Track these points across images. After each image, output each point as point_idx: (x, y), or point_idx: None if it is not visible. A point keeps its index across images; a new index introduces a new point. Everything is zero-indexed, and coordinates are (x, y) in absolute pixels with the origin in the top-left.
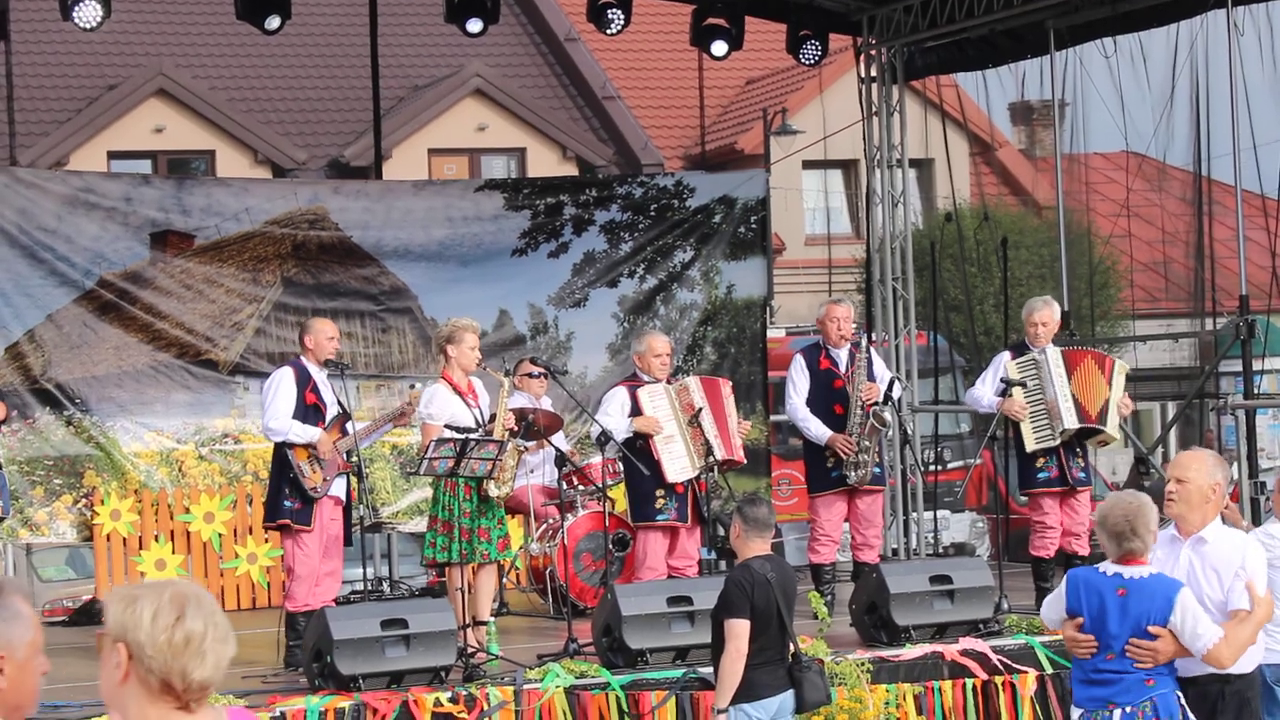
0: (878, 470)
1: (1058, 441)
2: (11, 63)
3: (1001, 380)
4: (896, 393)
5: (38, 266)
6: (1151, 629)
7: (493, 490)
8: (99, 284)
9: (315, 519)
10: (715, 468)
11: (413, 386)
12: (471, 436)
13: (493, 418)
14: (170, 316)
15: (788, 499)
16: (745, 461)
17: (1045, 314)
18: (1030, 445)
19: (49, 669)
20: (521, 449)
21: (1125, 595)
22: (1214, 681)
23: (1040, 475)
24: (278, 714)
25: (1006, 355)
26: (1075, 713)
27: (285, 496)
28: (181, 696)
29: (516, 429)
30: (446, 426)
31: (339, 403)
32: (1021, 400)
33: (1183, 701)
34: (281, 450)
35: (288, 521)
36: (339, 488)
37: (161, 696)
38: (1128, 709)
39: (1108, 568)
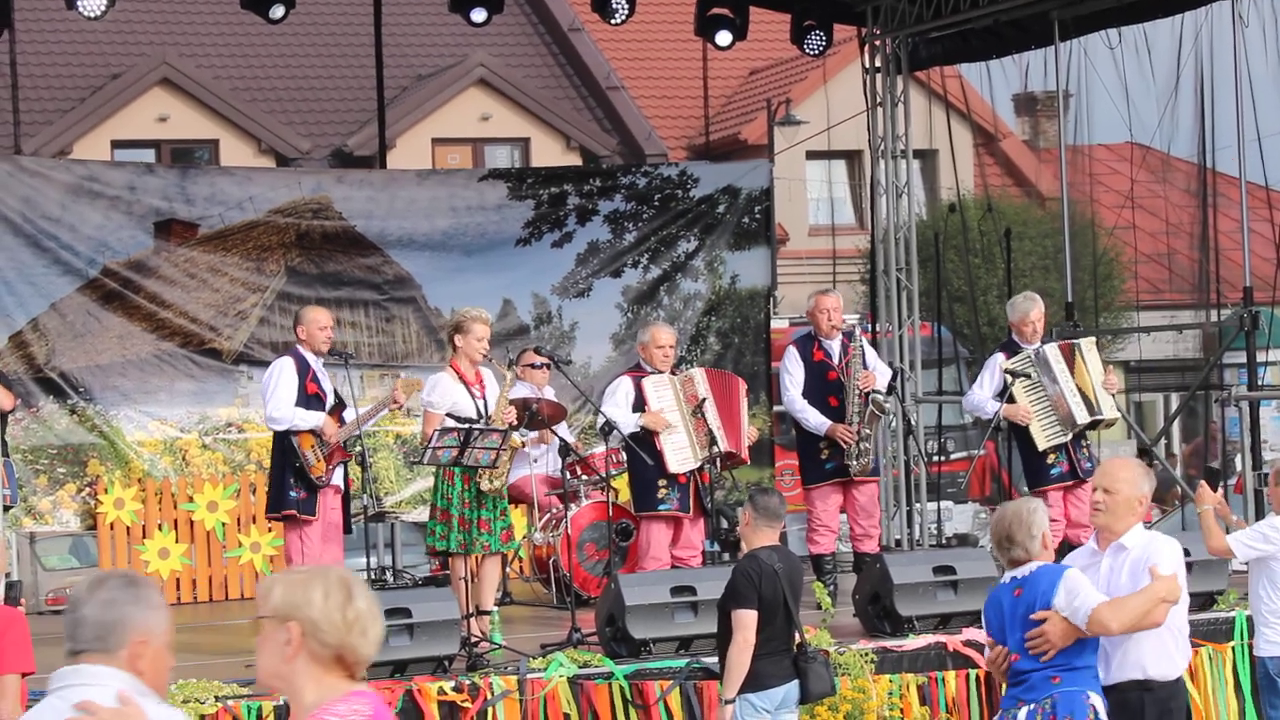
0: (874, 458)
1: (1069, 437)
2: (15, 51)
3: (1007, 372)
4: (882, 381)
5: (41, 255)
6: (1035, 615)
7: (484, 484)
8: (103, 273)
9: (318, 508)
10: (718, 460)
11: (399, 375)
12: (475, 426)
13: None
14: (174, 305)
15: (791, 489)
16: (749, 462)
17: (1038, 312)
18: (1042, 444)
19: (173, 664)
20: (522, 441)
21: (1021, 594)
22: (1134, 689)
23: (1053, 471)
24: (281, 703)
25: (1000, 356)
26: (997, 716)
27: (290, 486)
28: (351, 670)
29: (516, 422)
30: (448, 415)
31: (336, 392)
32: (1025, 402)
33: (1096, 704)
34: (284, 440)
35: (293, 512)
36: (338, 477)
37: (334, 668)
38: (1031, 706)
39: (1006, 575)
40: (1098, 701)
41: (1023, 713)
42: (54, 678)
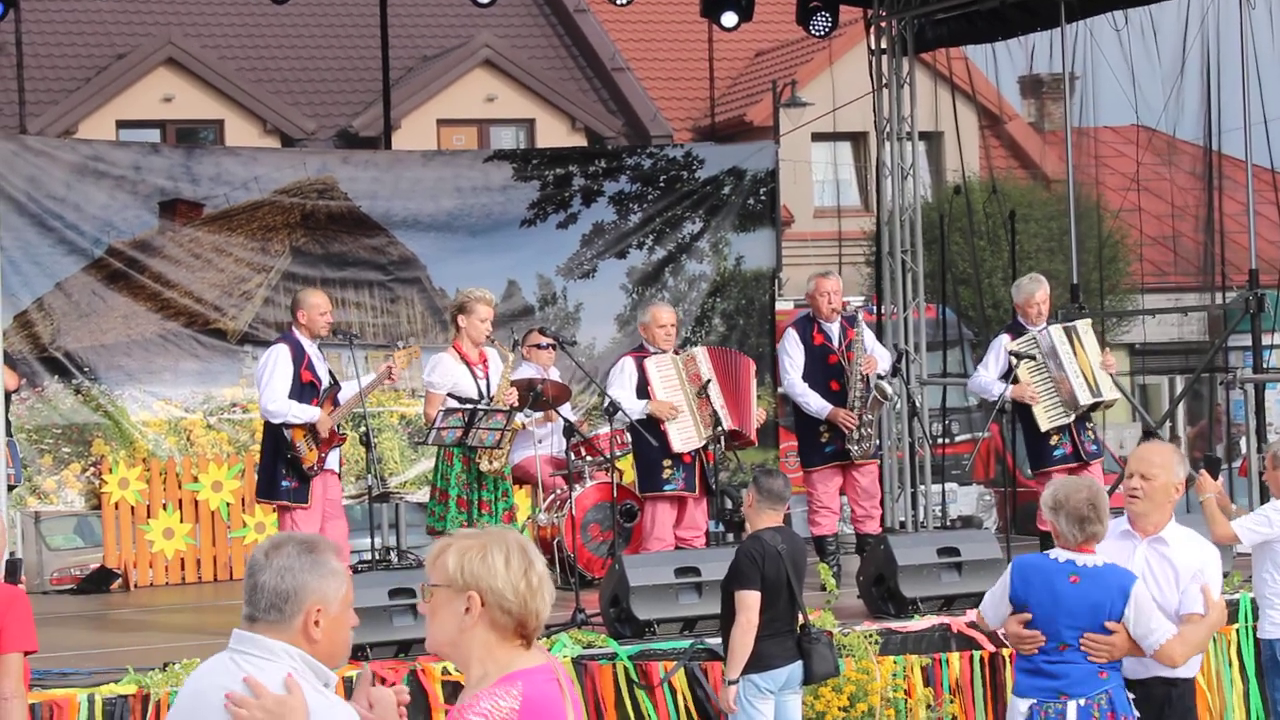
0: (876, 442)
1: (1071, 419)
2: (21, 31)
3: (1010, 354)
4: (884, 366)
5: (47, 235)
6: (1108, 624)
7: (484, 465)
8: (108, 252)
9: (312, 496)
10: (723, 438)
11: (398, 346)
12: (480, 407)
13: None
14: (179, 285)
15: (795, 471)
16: (756, 442)
17: (1043, 293)
18: (1045, 425)
19: (358, 623)
20: (523, 422)
21: (1079, 583)
22: (1160, 685)
23: (1056, 453)
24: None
25: (1005, 337)
26: (1022, 704)
27: (282, 476)
28: (529, 636)
29: (518, 403)
30: (450, 396)
31: (330, 373)
32: (1029, 382)
33: (1131, 699)
34: (276, 428)
35: (284, 502)
36: (332, 460)
37: (513, 637)
38: (1082, 701)
39: (1058, 554)
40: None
41: (1072, 708)
42: (233, 637)
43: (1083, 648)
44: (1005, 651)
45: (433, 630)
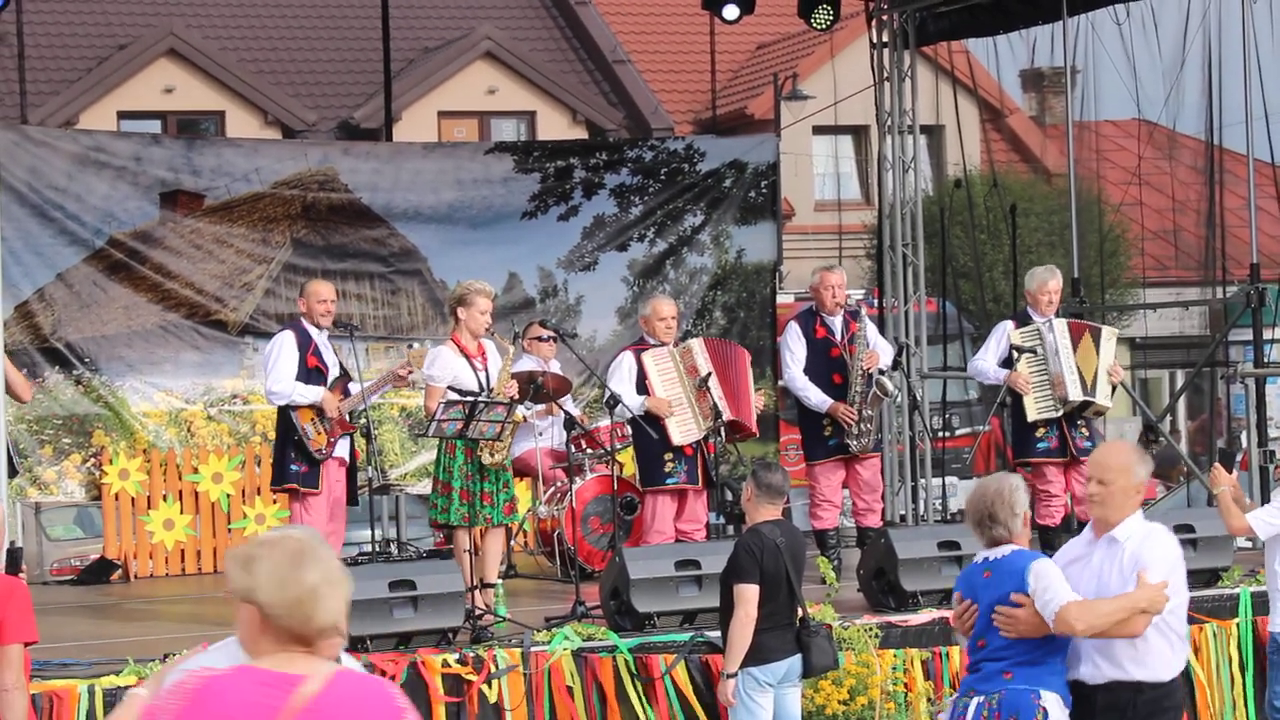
0: (876, 436)
1: (1059, 413)
2: (22, 21)
3: (1012, 347)
4: (887, 361)
5: (47, 225)
6: (1014, 596)
7: (485, 457)
8: (109, 243)
9: (322, 481)
10: (723, 430)
11: (411, 346)
12: (480, 399)
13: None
14: (180, 276)
15: (795, 464)
16: (757, 433)
17: (1056, 284)
18: (1032, 415)
19: None
20: (523, 415)
21: (990, 576)
22: (1125, 689)
23: (1040, 445)
24: None
25: (1010, 324)
26: (949, 701)
27: (291, 460)
28: (311, 641)
29: (517, 395)
30: (450, 389)
31: (340, 364)
32: (1027, 373)
33: (1049, 704)
34: (286, 413)
35: (295, 486)
36: (342, 449)
37: (292, 644)
38: (980, 699)
39: (979, 556)
40: (1051, 701)
41: (973, 704)
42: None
43: (994, 622)
44: None
45: (237, 630)
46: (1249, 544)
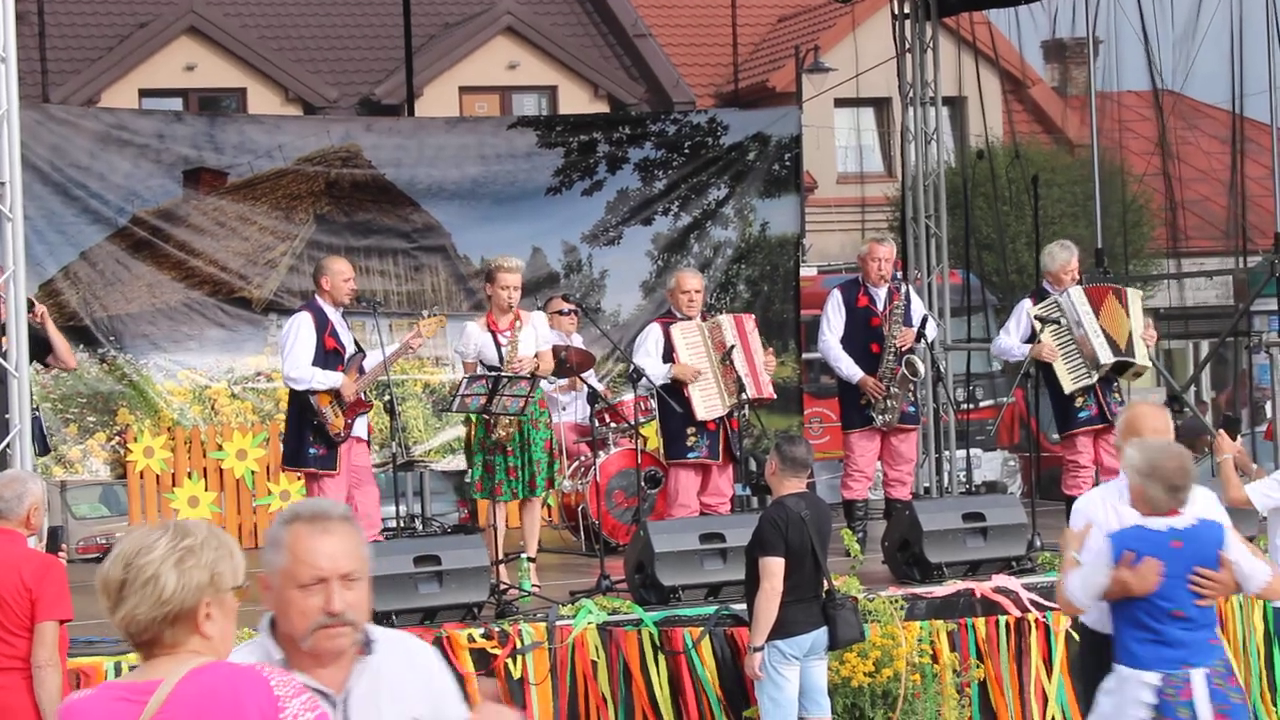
0: (911, 409)
1: (1095, 379)
2: (43, 0)
3: (1036, 319)
4: (930, 333)
5: (71, 204)
6: (1222, 554)
7: (498, 432)
8: (132, 221)
9: (340, 462)
10: (747, 405)
11: (422, 315)
12: (503, 374)
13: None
14: (203, 254)
15: (819, 437)
16: (775, 398)
17: (1075, 259)
18: (1068, 387)
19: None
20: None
21: (1181, 547)
22: None
23: (1081, 415)
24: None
25: (1027, 302)
26: (1154, 676)
27: (309, 444)
28: (135, 642)
29: (538, 370)
30: (480, 364)
31: (355, 341)
32: (1052, 343)
33: None
34: (302, 396)
35: (313, 469)
36: (360, 427)
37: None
38: (1205, 670)
39: (1156, 523)
40: None
41: (1198, 676)
42: None
43: (1192, 587)
44: (1031, 617)
45: None
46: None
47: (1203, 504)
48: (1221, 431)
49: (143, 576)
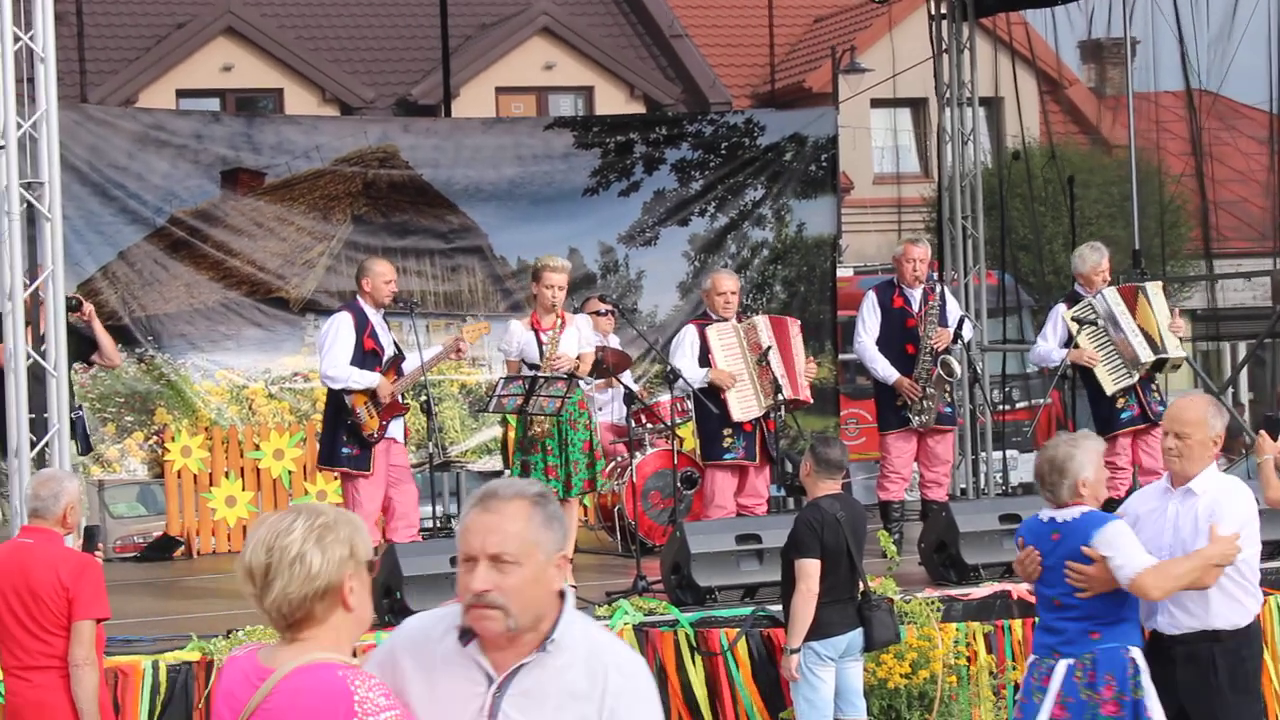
0: (948, 410)
1: (1135, 379)
2: (81, 1)
3: (1072, 320)
4: (967, 334)
5: (109, 204)
6: (1085, 550)
7: (534, 429)
8: (170, 221)
9: (374, 463)
10: (783, 406)
11: (465, 320)
12: (540, 374)
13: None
14: (241, 254)
15: (855, 438)
16: (811, 401)
17: (1107, 260)
18: (1110, 388)
19: None
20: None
21: (1058, 539)
22: (1203, 640)
23: (1124, 415)
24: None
25: (1061, 307)
26: (1033, 659)
27: (343, 444)
28: (275, 626)
29: (578, 371)
30: (523, 363)
31: (395, 343)
32: (1089, 345)
33: (1135, 658)
34: (338, 395)
35: (346, 469)
36: (395, 428)
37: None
38: (1070, 661)
39: (1045, 514)
40: (1137, 655)
41: (1061, 666)
42: None
43: (1066, 578)
44: None
45: None
46: None
47: (1206, 493)
48: (1262, 432)
49: (288, 557)
